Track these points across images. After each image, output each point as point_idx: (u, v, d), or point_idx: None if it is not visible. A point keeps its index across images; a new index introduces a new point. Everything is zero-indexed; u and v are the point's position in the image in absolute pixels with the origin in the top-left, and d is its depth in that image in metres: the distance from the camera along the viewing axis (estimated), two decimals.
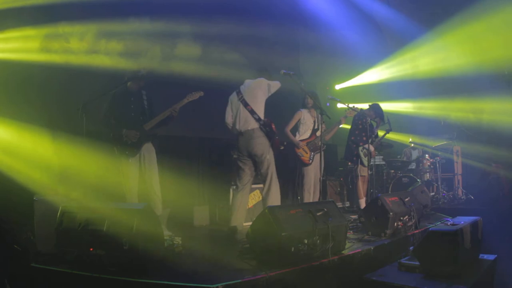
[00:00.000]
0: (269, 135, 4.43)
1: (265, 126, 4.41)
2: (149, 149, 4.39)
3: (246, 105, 4.42)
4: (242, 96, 4.47)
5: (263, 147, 4.38)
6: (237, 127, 4.47)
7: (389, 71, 8.77)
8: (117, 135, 4.22)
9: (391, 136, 6.90)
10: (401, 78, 8.56)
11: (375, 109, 6.33)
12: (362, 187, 6.21)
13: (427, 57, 8.18)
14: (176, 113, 4.35)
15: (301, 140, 5.40)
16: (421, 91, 8.60)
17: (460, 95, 8.13)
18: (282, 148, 4.48)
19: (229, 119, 4.60)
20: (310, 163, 5.32)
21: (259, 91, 4.45)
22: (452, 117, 8.27)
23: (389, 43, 8.43)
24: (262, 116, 4.44)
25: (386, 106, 8.77)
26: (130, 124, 4.25)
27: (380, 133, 6.49)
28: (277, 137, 4.41)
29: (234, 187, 5.49)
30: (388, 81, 8.72)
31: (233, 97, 4.60)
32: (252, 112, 4.40)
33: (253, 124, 4.40)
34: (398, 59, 8.54)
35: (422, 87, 8.49)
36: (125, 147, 4.22)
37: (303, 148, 5.33)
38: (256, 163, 4.46)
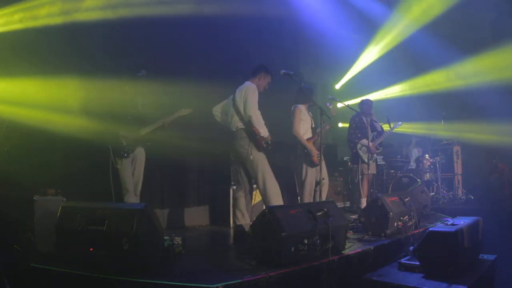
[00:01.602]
0: (251, 136, 4.33)
1: (248, 127, 4.32)
2: (141, 155, 4.47)
3: (233, 105, 4.41)
4: (233, 96, 4.45)
5: (244, 149, 4.30)
6: (230, 126, 4.47)
7: (374, 52, 8.95)
8: (114, 135, 4.26)
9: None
10: (384, 53, 8.81)
11: (366, 104, 6.37)
12: (365, 186, 6.21)
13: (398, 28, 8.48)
14: (167, 126, 4.47)
15: (307, 139, 5.27)
16: (408, 70, 8.92)
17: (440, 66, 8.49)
18: (269, 147, 4.40)
19: (215, 111, 4.69)
20: (318, 164, 5.26)
21: (244, 95, 4.34)
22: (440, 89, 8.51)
23: (371, 28, 8.61)
24: (244, 117, 4.34)
25: (380, 94, 9.10)
26: (126, 127, 4.31)
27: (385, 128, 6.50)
28: (258, 137, 4.30)
29: (234, 187, 5.50)
30: (377, 60, 8.93)
31: (229, 98, 4.59)
32: (237, 112, 4.36)
33: (237, 124, 4.37)
34: (378, 38, 8.75)
35: (406, 64, 8.85)
36: (120, 148, 4.27)
37: (312, 148, 5.23)
38: (243, 164, 4.42)
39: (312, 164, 5.21)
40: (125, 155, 4.28)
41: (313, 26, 7.53)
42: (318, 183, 5.17)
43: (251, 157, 4.27)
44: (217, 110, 4.71)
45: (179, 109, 4.50)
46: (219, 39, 6.07)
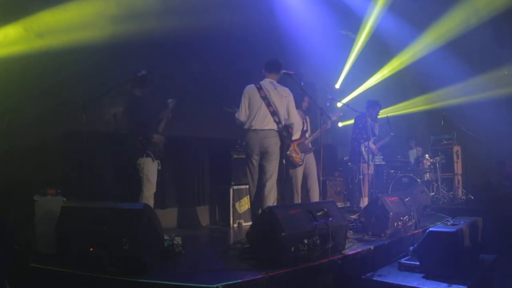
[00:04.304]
0: (285, 139, 4.45)
1: (282, 130, 4.42)
2: None
3: (268, 104, 4.35)
4: (265, 95, 4.38)
5: (277, 148, 4.40)
6: (252, 123, 4.37)
7: (359, 45, 9.06)
8: (148, 140, 4.29)
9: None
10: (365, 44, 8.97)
11: (374, 108, 6.40)
12: (365, 186, 6.25)
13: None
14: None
15: (292, 141, 5.34)
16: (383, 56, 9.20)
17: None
18: (288, 152, 4.58)
19: (243, 115, 4.43)
20: (301, 164, 5.33)
21: (286, 102, 4.45)
22: None
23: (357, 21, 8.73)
24: (282, 120, 4.42)
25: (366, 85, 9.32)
26: (153, 129, 4.39)
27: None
28: (289, 141, 4.46)
29: (235, 187, 5.52)
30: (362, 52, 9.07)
31: (253, 92, 4.42)
32: (274, 114, 4.35)
33: (272, 125, 4.37)
34: (361, 30, 8.89)
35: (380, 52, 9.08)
36: (155, 149, 4.34)
37: (294, 149, 5.32)
38: (262, 158, 4.43)
39: (293, 165, 5.27)
40: (159, 156, 4.39)
41: (312, 27, 7.58)
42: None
43: (278, 158, 4.42)
44: (242, 114, 4.46)
45: (168, 102, 4.53)
46: (220, 41, 6.09)
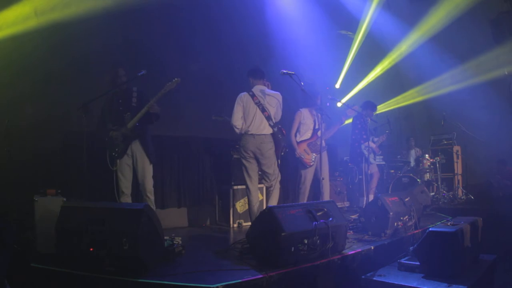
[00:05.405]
0: (279, 141, 4.57)
1: (277, 133, 4.54)
2: (139, 150, 4.23)
3: (263, 110, 4.48)
4: (259, 101, 4.49)
5: (272, 152, 4.52)
6: (249, 129, 4.47)
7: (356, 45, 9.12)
8: (107, 137, 4.22)
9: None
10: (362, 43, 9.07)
11: (370, 108, 6.40)
12: (374, 183, 6.29)
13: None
14: (154, 108, 4.11)
15: (302, 141, 5.34)
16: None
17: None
18: (282, 153, 4.67)
19: (239, 120, 4.48)
20: (312, 165, 5.29)
21: (278, 105, 4.59)
22: None
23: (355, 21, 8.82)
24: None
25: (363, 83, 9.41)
26: (116, 125, 4.21)
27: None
28: (284, 144, 4.56)
29: (234, 187, 5.51)
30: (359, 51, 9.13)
31: (247, 99, 4.51)
32: (268, 118, 4.49)
33: (268, 130, 4.49)
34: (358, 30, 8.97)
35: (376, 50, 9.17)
36: (113, 148, 4.19)
37: (304, 150, 5.30)
38: (261, 164, 4.52)
39: (304, 166, 5.25)
40: (117, 155, 4.16)
41: (311, 28, 7.60)
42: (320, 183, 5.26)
43: (275, 160, 4.56)
44: (238, 120, 4.50)
45: (164, 85, 4.09)
46: (221, 42, 6.10)
